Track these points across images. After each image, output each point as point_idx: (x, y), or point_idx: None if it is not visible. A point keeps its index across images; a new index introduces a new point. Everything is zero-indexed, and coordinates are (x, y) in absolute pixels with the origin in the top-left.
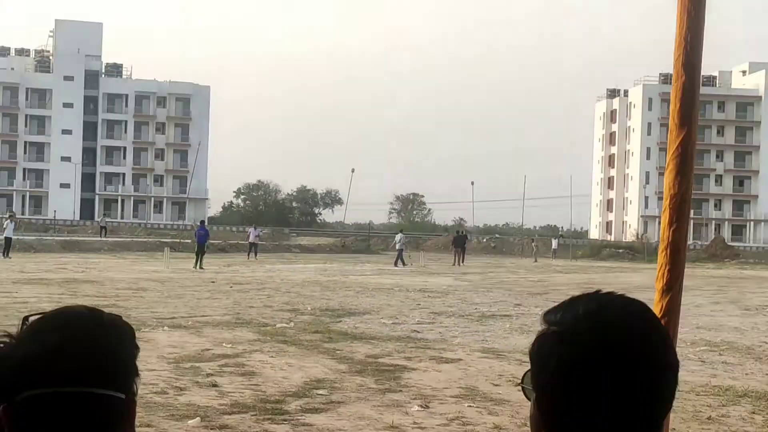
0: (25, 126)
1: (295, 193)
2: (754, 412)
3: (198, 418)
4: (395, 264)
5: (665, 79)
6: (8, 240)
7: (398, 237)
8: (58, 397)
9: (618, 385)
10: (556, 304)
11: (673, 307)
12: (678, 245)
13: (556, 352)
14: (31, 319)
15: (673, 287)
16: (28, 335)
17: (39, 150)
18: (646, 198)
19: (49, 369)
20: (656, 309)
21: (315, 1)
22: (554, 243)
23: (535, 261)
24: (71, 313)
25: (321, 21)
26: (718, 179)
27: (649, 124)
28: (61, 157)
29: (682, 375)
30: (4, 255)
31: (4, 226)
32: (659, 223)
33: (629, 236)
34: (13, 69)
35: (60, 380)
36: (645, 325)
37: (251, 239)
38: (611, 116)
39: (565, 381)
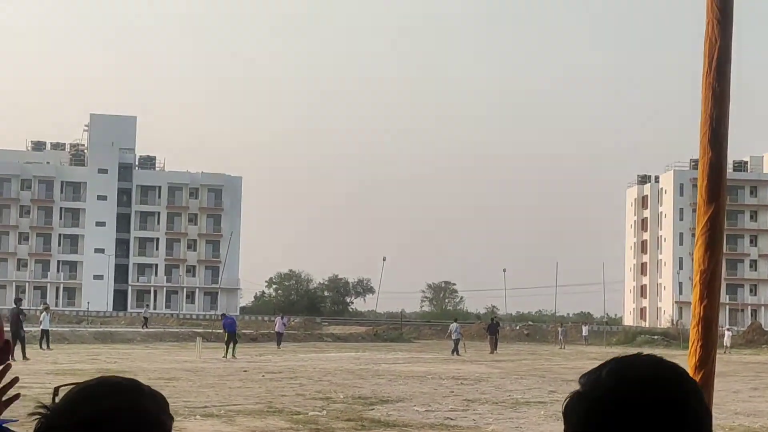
0: (60, 218)
1: (326, 282)
2: None
3: None
4: (453, 353)
5: (695, 164)
6: (45, 332)
7: (453, 326)
8: None
9: None
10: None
11: (707, 384)
12: (710, 321)
13: (579, 411)
14: (63, 389)
15: (706, 363)
16: (72, 405)
17: (73, 242)
18: (680, 284)
19: None
20: None
21: (346, 97)
22: (585, 330)
23: (562, 347)
24: (111, 382)
25: (352, 116)
26: (753, 264)
27: (681, 210)
28: (95, 249)
29: None
30: (40, 346)
31: (41, 319)
32: None
33: (664, 322)
34: (48, 163)
35: None
36: (671, 383)
37: (277, 328)
38: (643, 202)
39: None
